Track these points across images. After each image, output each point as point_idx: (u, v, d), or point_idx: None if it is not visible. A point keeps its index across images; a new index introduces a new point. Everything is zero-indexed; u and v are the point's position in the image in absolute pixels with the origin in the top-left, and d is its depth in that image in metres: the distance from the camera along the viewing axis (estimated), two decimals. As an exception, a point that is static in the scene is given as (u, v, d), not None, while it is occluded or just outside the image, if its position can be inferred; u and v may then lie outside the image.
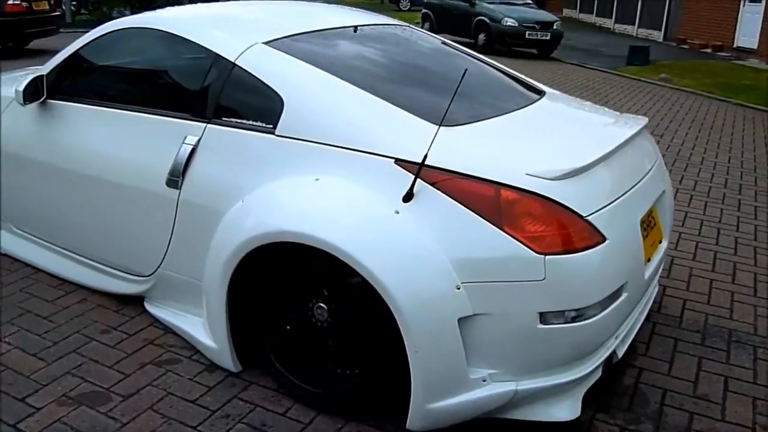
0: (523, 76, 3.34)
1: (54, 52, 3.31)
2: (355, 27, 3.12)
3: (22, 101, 2.97)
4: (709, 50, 15.81)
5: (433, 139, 2.16)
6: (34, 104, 3.08)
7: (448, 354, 2.11)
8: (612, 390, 2.59)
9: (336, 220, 2.18)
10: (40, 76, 3.04)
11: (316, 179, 2.31)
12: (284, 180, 2.36)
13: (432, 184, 2.17)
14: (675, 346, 2.94)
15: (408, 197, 2.17)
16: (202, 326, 2.68)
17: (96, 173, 2.88)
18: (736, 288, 3.54)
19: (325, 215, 2.21)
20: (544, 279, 2.07)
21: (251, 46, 2.64)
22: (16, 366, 2.60)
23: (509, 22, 13.66)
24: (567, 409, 2.26)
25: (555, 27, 13.99)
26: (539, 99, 2.99)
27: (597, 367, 2.30)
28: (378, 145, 2.28)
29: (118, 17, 3.95)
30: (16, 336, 2.82)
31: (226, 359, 2.57)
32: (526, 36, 13.69)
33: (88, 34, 3.12)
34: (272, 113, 2.47)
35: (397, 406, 2.27)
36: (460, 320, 2.09)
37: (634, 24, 21.04)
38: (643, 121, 2.79)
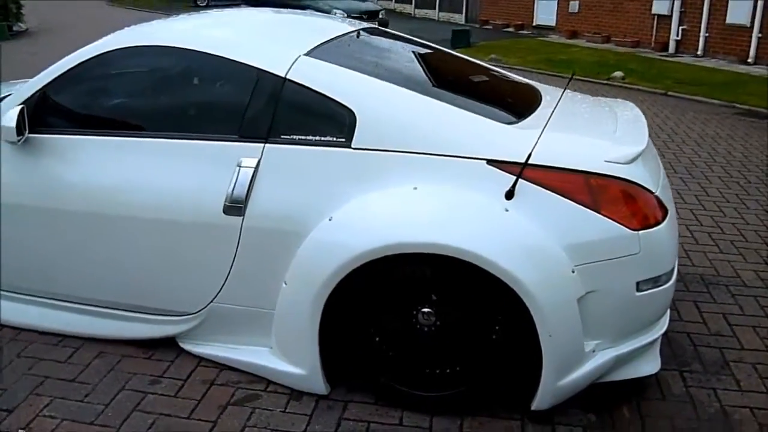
0: (503, 72, 3.55)
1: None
2: (358, 32, 3.11)
3: (15, 138, 2.57)
4: (511, 29, 17.32)
5: (538, 140, 2.29)
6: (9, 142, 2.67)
7: (572, 333, 2.28)
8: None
9: (459, 226, 2.24)
10: (20, 108, 2.63)
11: (414, 188, 2.33)
12: (376, 192, 2.34)
13: (528, 180, 2.31)
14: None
15: (510, 195, 2.29)
16: (273, 354, 2.58)
17: (121, 212, 2.58)
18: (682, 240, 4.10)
19: (446, 222, 2.26)
20: (639, 252, 2.32)
21: (297, 58, 2.55)
22: (82, 439, 2.31)
23: (338, 13, 13.88)
24: (651, 364, 2.55)
25: (381, 16, 14.51)
26: (543, 93, 3.18)
27: (666, 323, 2.62)
28: (466, 149, 2.36)
29: None
30: (53, 407, 2.48)
31: (317, 383, 2.50)
32: (355, 26, 13.99)
33: (77, 54, 2.74)
34: (341, 126, 2.43)
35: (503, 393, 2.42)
36: (577, 300, 2.28)
37: (434, 8, 22.35)
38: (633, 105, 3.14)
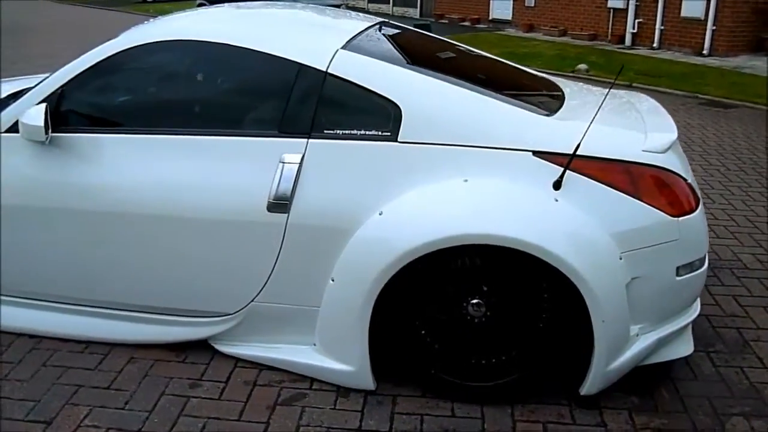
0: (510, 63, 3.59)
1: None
2: (379, 26, 3.10)
3: (43, 137, 2.46)
4: (467, 23, 17.48)
5: (586, 131, 2.33)
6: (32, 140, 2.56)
7: (621, 319, 2.34)
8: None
9: (515, 217, 2.27)
10: (45, 105, 2.52)
11: (465, 180, 2.34)
12: (426, 186, 2.35)
13: (573, 170, 2.35)
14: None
15: (558, 185, 2.33)
16: (317, 352, 2.56)
17: (156, 211, 2.51)
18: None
19: (502, 213, 2.28)
20: (678, 238, 2.39)
21: (336, 52, 2.52)
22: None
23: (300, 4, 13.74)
24: (686, 346, 2.63)
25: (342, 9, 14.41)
26: (561, 84, 3.23)
27: (699, 306, 2.71)
28: (512, 141, 2.39)
29: None
30: (94, 416, 2.40)
31: (365, 379, 2.49)
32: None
33: (99, 49, 2.65)
34: (386, 120, 2.42)
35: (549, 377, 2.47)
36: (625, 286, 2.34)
37: (388, 2, 22.36)
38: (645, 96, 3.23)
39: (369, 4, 23.79)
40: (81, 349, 2.79)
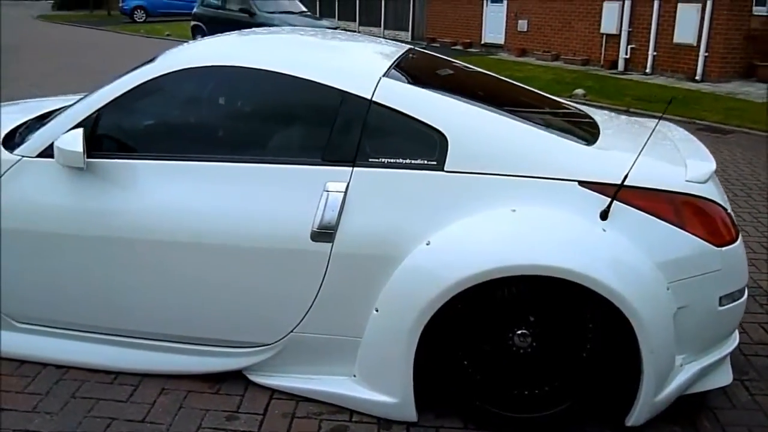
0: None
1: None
2: (411, 52, 3.11)
3: (82, 162, 2.43)
4: (459, 47, 17.66)
5: (634, 162, 2.34)
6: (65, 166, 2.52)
7: (668, 349, 2.34)
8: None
9: (566, 248, 2.26)
10: (81, 130, 2.49)
11: (513, 210, 2.34)
12: (474, 215, 2.34)
13: (618, 200, 2.35)
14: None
15: (605, 215, 2.33)
16: (356, 383, 2.52)
17: (194, 240, 2.47)
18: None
19: (553, 244, 2.27)
20: (721, 269, 2.40)
21: (379, 80, 2.52)
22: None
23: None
24: (725, 375, 2.62)
25: (335, 33, 14.50)
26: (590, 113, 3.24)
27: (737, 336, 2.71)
28: (558, 170, 2.39)
29: None
30: (133, 450, 2.34)
31: (408, 411, 2.45)
32: (311, 43, 13.95)
33: (137, 73, 2.63)
34: (431, 148, 2.42)
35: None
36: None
37: (379, 26, 22.57)
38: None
39: (360, 27, 24.00)
40: (110, 380, 2.73)
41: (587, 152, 2.51)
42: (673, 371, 2.39)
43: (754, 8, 10.97)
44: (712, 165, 2.56)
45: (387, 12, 22.05)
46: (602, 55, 13.22)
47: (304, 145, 2.53)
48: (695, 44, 11.20)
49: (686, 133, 3.04)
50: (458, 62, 3.58)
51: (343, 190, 2.40)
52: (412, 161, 2.42)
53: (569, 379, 2.41)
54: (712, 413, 2.62)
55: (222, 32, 13.36)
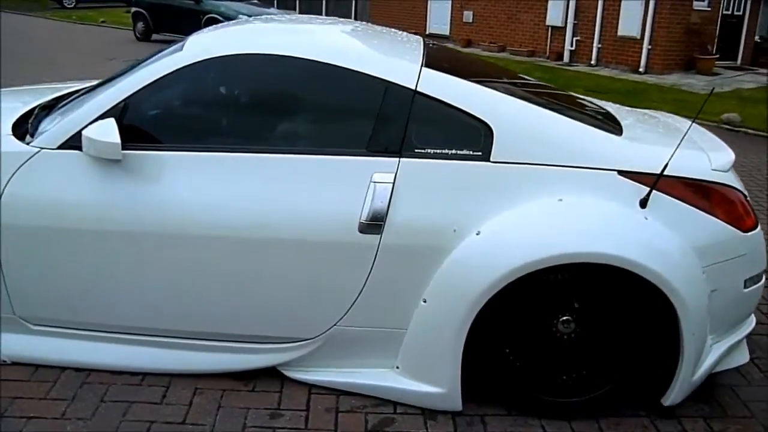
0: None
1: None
2: (432, 43, 3.10)
3: (119, 154, 2.31)
4: (405, 38, 17.78)
5: (674, 152, 2.42)
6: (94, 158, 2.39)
7: (704, 330, 2.45)
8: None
9: (614, 235, 2.33)
10: (112, 119, 2.37)
11: (559, 199, 2.38)
12: (522, 205, 2.37)
13: (656, 189, 2.44)
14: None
15: (644, 203, 2.41)
16: (400, 375, 2.52)
17: (235, 233, 2.39)
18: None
19: (602, 232, 2.34)
20: (746, 253, 2.53)
21: (420, 70, 2.51)
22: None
23: (243, 18, 13.50)
24: (743, 355, 2.76)
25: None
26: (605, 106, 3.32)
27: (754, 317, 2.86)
28: (598, 160, 2.45)
29: None
30: (180, 453, 2.26)
31: (455, 400, 2.47)
32: (261, 32, 13.71)
33: (167, 62, 2.51)
34: (476, 139, 2.43)
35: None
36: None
37: (321, 15, 22.36)
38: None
39: (300, 16, 23.69)
40: (138, 382, 2.62)
41: (620, 143, 2.58)
42: (705, 351, 2.50)
43: (695, 3, 11.50)
44: (731, 155, 2.68)
45: (328, 4, 21.86)
46: (548, 47, 13.56)
47: (347, 136, 2.50)
48: (639, 37, 11.65)
49: (695, 125, 3.16)
50: (475, 56, 3.61)
51: (391, 181, 2.38)
52: (458, 152, 2.42)
53: (611, 363, 2.49)
54: (732, 390, 2.76)
55: (166, 21, 13.15)
